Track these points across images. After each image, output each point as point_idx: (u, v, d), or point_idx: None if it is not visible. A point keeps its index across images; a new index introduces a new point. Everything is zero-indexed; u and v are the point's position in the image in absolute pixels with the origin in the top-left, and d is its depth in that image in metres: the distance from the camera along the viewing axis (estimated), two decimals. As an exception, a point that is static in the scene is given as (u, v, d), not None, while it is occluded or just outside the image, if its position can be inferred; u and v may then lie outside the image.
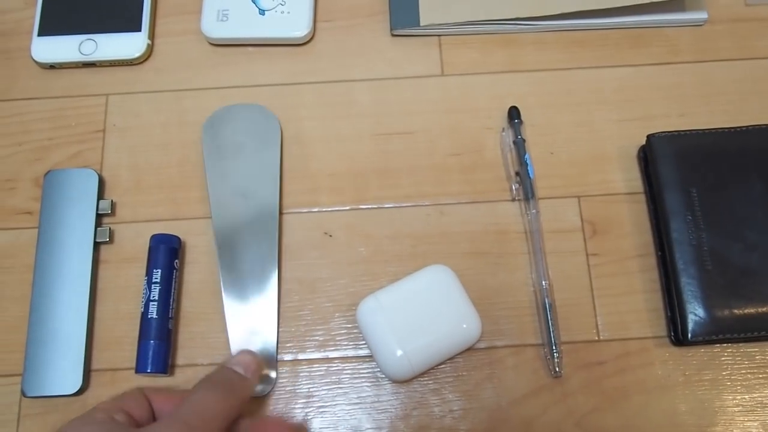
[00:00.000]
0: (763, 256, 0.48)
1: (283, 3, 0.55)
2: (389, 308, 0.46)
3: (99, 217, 0.51)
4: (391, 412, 0.48)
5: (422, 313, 0.46)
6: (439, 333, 0.46)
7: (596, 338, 0.49)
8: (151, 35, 0.56)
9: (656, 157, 0.51)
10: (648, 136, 0.52)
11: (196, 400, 0.38)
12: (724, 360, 0.48)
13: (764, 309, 0.47)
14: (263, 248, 0.49)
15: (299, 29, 0.55)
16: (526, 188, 0.51)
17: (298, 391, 0.48)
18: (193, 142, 0.54)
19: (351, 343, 0.49)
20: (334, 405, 0.48)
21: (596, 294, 0.50)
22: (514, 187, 0.52)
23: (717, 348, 0.49)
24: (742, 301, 0.48)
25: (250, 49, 0.56)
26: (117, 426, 0.37)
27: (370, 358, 0.48)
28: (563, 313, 0.49)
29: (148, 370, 0.46)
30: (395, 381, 0.48)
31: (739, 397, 0.48)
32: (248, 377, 0.42)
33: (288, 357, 0.49)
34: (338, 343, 0.49)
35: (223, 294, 0.49)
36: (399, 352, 0.45)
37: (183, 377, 0.48)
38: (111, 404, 0.39)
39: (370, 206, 0.52)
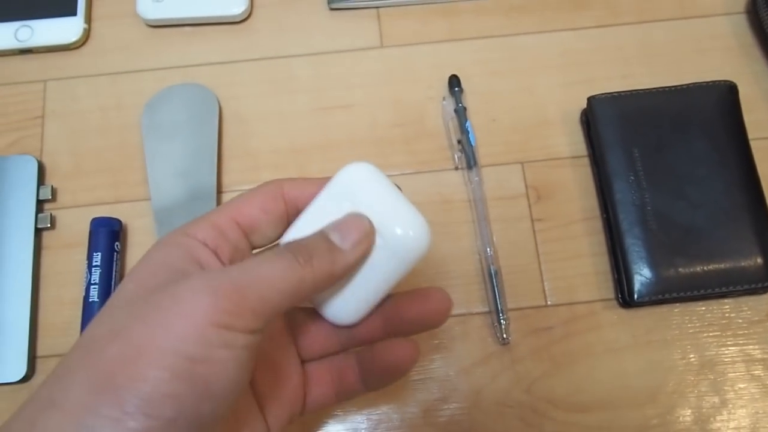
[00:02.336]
0: (706, 213, 0.48)
1: (218, -19, 0.54)
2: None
3: (40, 203, 0.50)
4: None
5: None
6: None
7: (544, 303, 0.48)
8: (88, 19, 0.55)
9: (597, 119, 0.50)
10: (588, 99, 0.51)
11: (254, 264, 0.29)
12: (672, 320, 0.48)
13: (709, 266, 0.47)
14: (200, 226, 0.48)
15: (236, 6, 0.54)
16: (468, 156, 0.51)
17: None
18: (132, 124, 0.52)
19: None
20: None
21: (542, 259, 0.49)
22: (456, 156, 0.51)
23: (664, 308, 0.48)
24: (687, 259, 0.47)
25: (187, 29, 0.55)
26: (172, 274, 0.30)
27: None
28: (510, 279, 0.49)
29: (88, 353, 0.45)
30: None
31: (688, 357, 0.47)
32: (344, 247, 0.32)
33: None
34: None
35: (160, 274, 0.48)
36: None
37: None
38: (229, 214, 0.33)
39: (312, 181, 0.51)
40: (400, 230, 0.33)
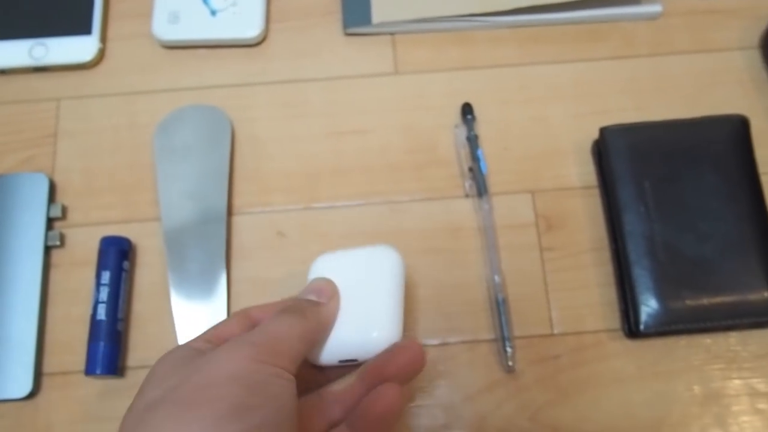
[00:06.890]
0: (715, 246, 0.52)
1: (234, 4, 0.59)
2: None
3: (50, 221, 0.55)
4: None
5: (347, 296, 0.45)
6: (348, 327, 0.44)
7: (550, 332, 0.53)
8: (103, 39, 0.60)
9: (609, 149, 0.55)
10: (601, 129, 0.55)
11: (267, 324, 0.40)
12: (677, 351, 0.52)
13: (716, 299, 0.51)
14: (211, 249, 0.53)
15: (251, 29, 0.59)
16: (479, 184, 0.55)
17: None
18: (145, 144, 0.57)
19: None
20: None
21: (550, 288, 0.54)
22: (467, 184, 0.56)
23: (670, 340, 0.52)
24: (695, 291, 0.51)
25: (202, 51, 0.60)
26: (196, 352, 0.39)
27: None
28: (517, 307, 0.53)
29: (97, 372, 0.50)
30: None
31: (693, 389, 0.51)
32: (322, 302, 0.43)
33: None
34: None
35: (171, 295, 0.52)
36: None
37: (135, 379, 0.51)
38: (213, 333, 0.42)
39: (323, 205, 0.56)
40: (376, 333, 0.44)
